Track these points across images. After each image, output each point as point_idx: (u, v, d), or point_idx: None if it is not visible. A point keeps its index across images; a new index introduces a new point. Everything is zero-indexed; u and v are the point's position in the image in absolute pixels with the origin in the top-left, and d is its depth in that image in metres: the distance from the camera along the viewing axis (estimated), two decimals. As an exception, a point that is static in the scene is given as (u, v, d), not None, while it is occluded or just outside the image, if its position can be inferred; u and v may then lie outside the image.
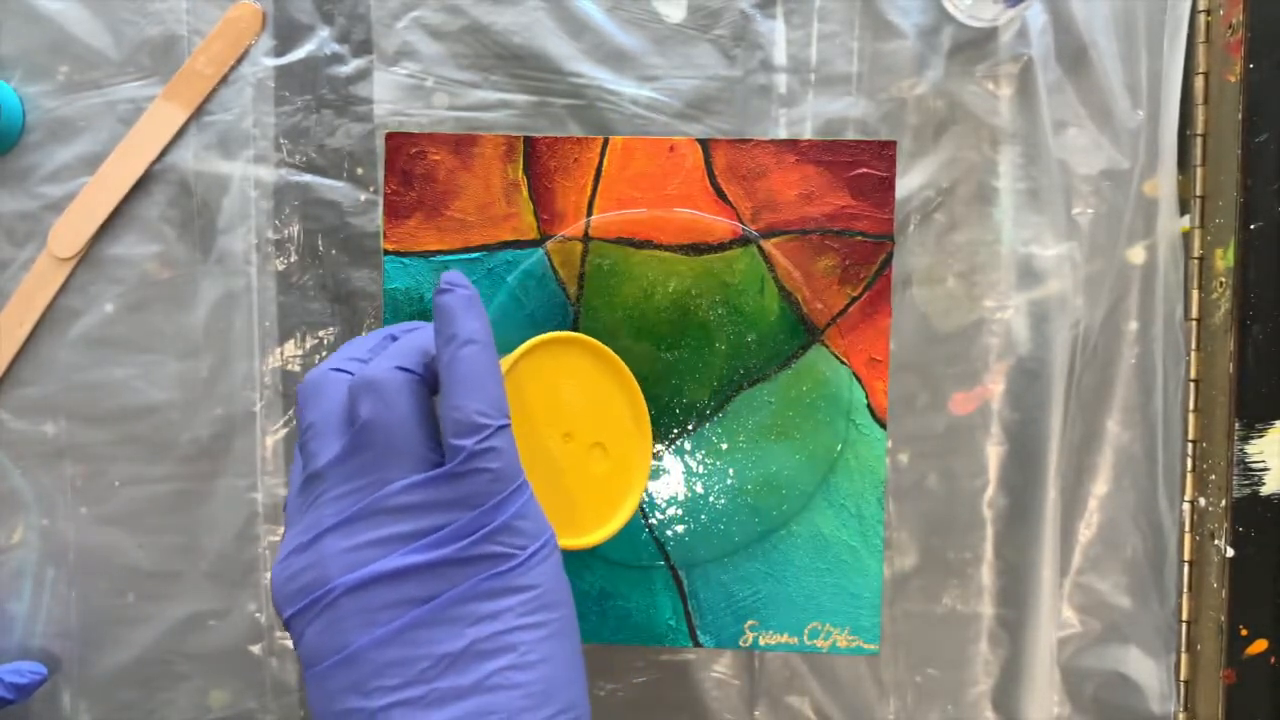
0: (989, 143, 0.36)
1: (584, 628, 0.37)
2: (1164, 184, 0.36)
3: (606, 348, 0.32)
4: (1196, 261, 0.37)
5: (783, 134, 0.37)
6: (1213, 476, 0.36)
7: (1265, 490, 0.36)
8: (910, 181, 0.37)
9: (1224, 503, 0.36)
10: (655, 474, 0.37)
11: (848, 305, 0.37)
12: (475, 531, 0.24)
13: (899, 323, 0.37)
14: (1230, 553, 0.36)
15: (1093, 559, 0.37)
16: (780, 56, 0.37)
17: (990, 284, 0.37)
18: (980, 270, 0.37)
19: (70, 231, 0.37)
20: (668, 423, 0.37)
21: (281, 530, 0.37)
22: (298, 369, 0.37)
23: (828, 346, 0.37)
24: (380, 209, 0.37)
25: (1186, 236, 0.37)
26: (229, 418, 0.37)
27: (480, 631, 0.24)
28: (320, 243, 0.37)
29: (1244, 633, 0.36)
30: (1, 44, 0.37)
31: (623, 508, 0.32)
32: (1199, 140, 0.36)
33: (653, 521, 0.37)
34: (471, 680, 0.23)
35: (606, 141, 0.37)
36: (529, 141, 0.37)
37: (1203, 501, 0.37)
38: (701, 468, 0.37)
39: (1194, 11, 0.36)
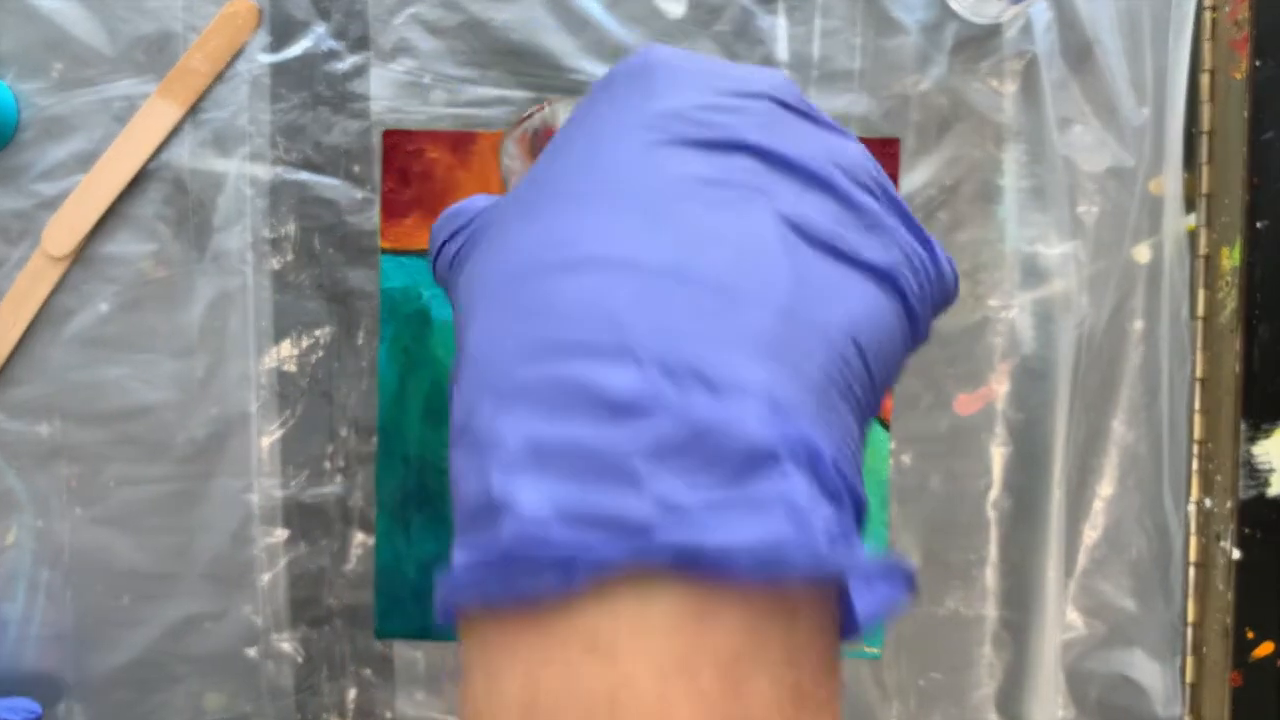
0: (993, 140, 0.36)
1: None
2: (1169, 182, 0.36)
3: None
4: (1202, 260, 0.36)
5: (784, 131, 0.36)
6: (1219, 477, 0.36)
7: (1272, 492, 0.35)
8: (914, 179, 0.36)
9: (1230, 504, 0.35)
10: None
11: (850, 304, 0.36)
12: None
13: (902, 322, 0.36)
14: (1236, 555, 0.35)
15: (1097, 561, 0.37)
16: (782, 52, 0.36)
17: (994, 283, 0.36)
18: (984, 269, 0.36)
19: (64, 230, 0.36)
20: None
21: (277, 532, 0.37)
22: (294, 369, 0.37)
23: (830, 346, 0.36)
24: (377, 207, 0.37)
25: (1192, 235, 0.36)
26: (224, 418, 0.37)
27: None
28: (316, 241, 0.37)
29: (1250, 635, 0.35)
30: (-5, 40, 0.37)
31: None
32: (1205, 138, 0.36)
33: None
34: None
35: (606, 139, 0.36)
36: (528, 139, 0.36)
37: (1209, 503, 0.36)
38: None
39: (1199, 8, 0.36)
